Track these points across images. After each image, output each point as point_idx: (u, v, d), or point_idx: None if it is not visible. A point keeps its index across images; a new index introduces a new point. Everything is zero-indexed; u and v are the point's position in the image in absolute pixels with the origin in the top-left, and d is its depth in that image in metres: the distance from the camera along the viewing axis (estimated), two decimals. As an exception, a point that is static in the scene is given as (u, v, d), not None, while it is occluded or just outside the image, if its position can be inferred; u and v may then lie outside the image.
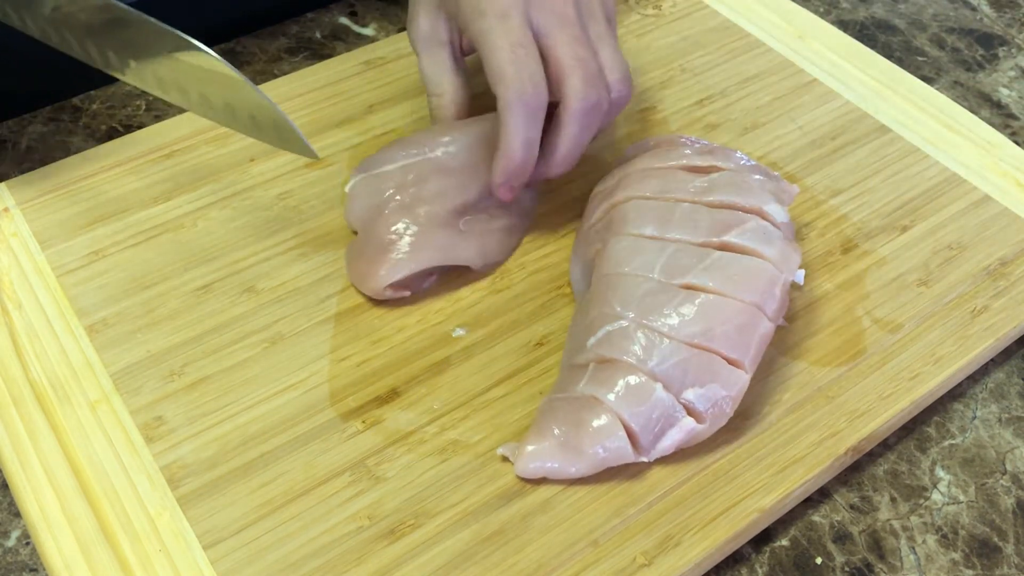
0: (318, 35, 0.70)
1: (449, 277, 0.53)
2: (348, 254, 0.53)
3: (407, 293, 0.51)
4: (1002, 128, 0.67)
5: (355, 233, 0.54)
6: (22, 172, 0.58)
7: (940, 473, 0.49)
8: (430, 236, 0.51)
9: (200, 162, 0.58)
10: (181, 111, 0.61)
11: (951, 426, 0.51)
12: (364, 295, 0.52)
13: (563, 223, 0.57)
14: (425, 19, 0.54)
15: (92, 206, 0.55)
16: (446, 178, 0.53)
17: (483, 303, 0.52)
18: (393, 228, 0.51)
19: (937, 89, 0.67)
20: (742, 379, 0.45)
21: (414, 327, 0.51)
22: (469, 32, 0.51)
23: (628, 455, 0.44)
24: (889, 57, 0.71)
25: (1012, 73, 0.71)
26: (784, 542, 0.47)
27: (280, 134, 0.49)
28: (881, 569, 0.46)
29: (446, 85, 0.54)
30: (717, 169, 0.52)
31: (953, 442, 0.51)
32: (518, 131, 0.49)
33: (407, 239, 0.51)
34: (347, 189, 0.54)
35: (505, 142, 0.50)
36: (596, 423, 0.44)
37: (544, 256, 0.55)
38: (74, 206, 0.55)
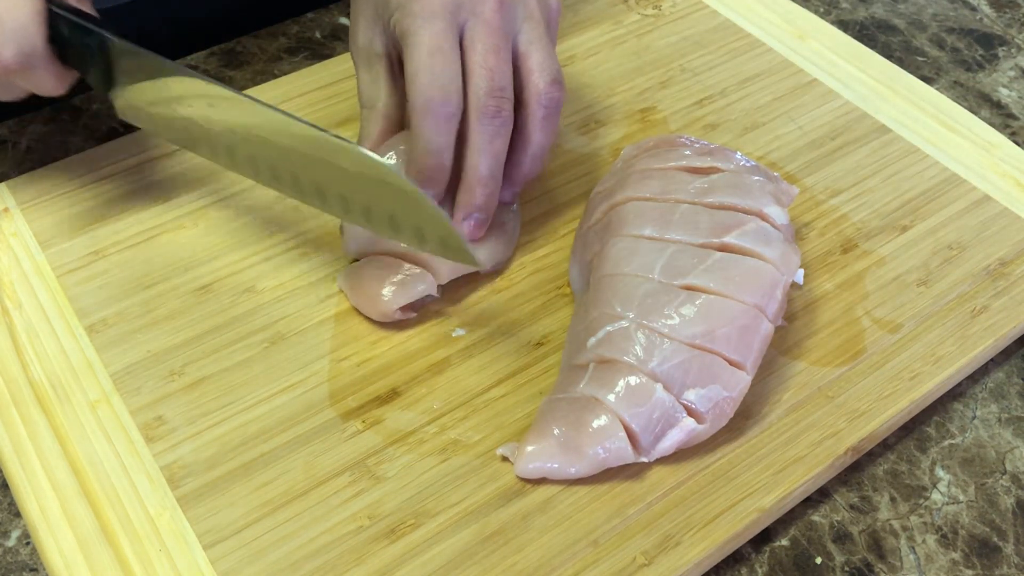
0: (318, 35, 0.70)
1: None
2: (349, 279, 0.52)
3: (414, 314, 0.51)
4: (1002, 128, 0.67)
5: (353, 260, 0.53)
6: (22, 172, 0.58)
7: (940, 473, 0.49)
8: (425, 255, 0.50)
9: (200, 162, 0.58)
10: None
11: (951, 426, 0.51)
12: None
13: (563, 223, 0.57)
14: (363, 32, 0.53)
15: (92, 206, 0.55)
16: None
17: (483, 303, 0.52)
18: (390, 248, 0.51)
19: (937, 89, 0.67)
20: (744, 380, 0.45)
21: (414, 327, 0.51)
22: (396, 30, 0.50)
23: (628, 455, 0.44)
24: (889, 57, 0.71)
25: (1012, 73, 0.71)
26: (784, 542, 0.47)
27: (446, 246, 0.47)
28: (881, 569, 0.46)
29: (378, 98, 0.53)
30: (717, 170, 0.52)
31: (953, 442, 0.51)
32: (421, 137, 0.49)
33: (411, 259, 0.51)
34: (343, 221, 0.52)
35: (411, 148, 0.50)
36: (596, 423, 0.44)
37: (544, 256, 0.55)
38: (74, 206, 0.55)
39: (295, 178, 0.49)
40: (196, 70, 0.66)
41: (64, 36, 0.49)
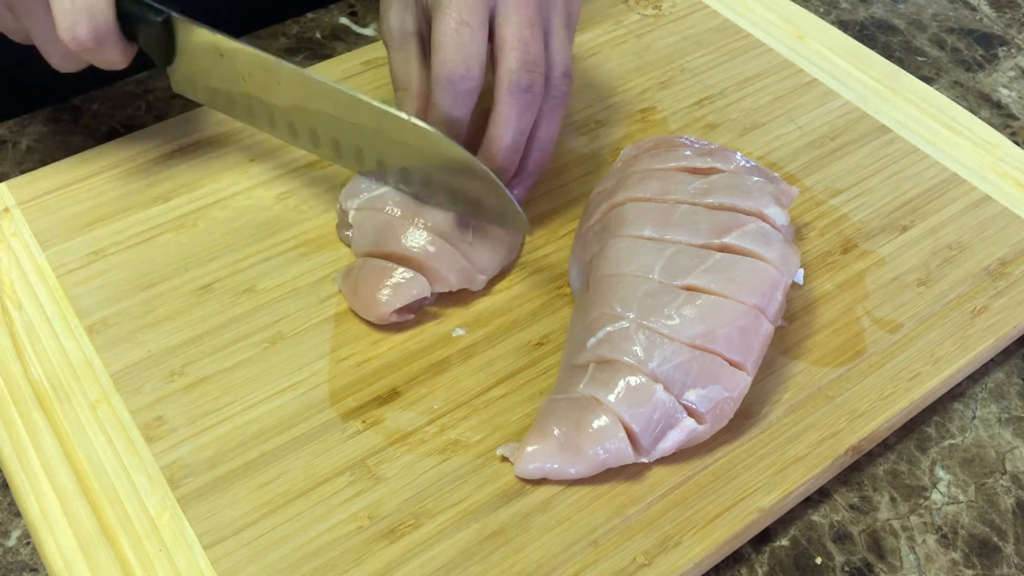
0: (318, 35, 0.70)
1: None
2: (345, 281, 0.52)
3: (411, 316, 0.51)
4: (1002, 128, 0.67)
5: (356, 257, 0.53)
6: (22, 172, 0.58)
7: (940, 473, 0.49)
8: (435, 258, 0.51)
9: (200, 162, 0.58)
10: (182, 111, 0.61)
11: (951, 426, 0.51)
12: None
13: (563, 223, 0.57)
14: (395, 11, 0.54)
15: (92, 206, 0.55)
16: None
17: (483, 303, 0.53)
18: (398, 251, 0.51)
19: (937, 89, 0.67)
20: (744, 381, 0.45)
21: (414, 327, 0.51)
22: (429, 0, 0.50)
23: (628, 456, 0.44)
24: (889, 57, 0.71)
25: (1012, 73, 0.71)
26: (784, 542, 0.47)
27: (503, 216, 0.50)
28: (881, 569, 0.46)
29: (412, 79, 0.54)
30: (717, 171, 0.52)
31: (953, 442, 0.51)
32: (440, 109, 0.50)
33: (407, 262, 0.51)
34: (351, 219, 0.52)
35: (429, 119, 0.51)
36: (596, 424, 0.44)
37: (544, 256, 0.55)
38: (74, 206, 0.55)
39: (358, 151, 0.52)
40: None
41: (128, 12, 0.51)
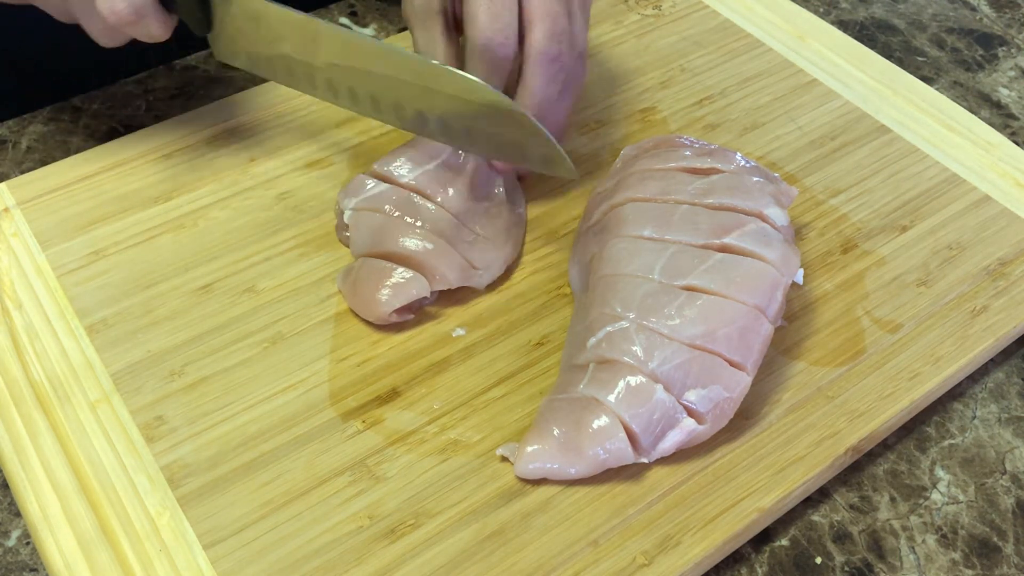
0: (318, 35, 0.70)
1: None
2: (345, 281, 0.51)
3: (411, 316, 0.51)
4: (1002, 128, 0.67)
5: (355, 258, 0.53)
6: (22, 172, 0.58)
7: (940, 473, 0.49)
8: (433, 256, 0.51)
9: (200, 162, 0.58)
10: (182, 111, 0.61)
11: (951, 426, 0.51)
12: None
13: (563, 223, 0.57)
14: None
15: (92, 206, 0.55)
16: (446, 189, 0.53)
17: (483, 303, 0.53)
18: (396, 251, 0.51)
19: (937, 89, 0.67)
20: (744, 381, 0.45)
21: (414, 327, 0.51)
22: None
23: (628, 456, 0.44)
24: (889, 57, 0.71)
25: (1012, 73, 0.71)
26: (784, 542, 0.47)
27: (547, 161, 0.51)
28: (881, 569, 0.46)
29: (436, 57, 0.54)
30: (717, 171, 0.52)
31: (953, 442, 0.51)
32: (477, 77, 0.50)
33: (407, 262, 0.51)
34: (347, 220, 0.52)
35: None
36: (596, 424, 0.44)
37: (544, 256, 0.55)
38: (74, 206, 0.55)
39: (397, 106, 0.52)
40: (196, 71, 0.66)
41: None
